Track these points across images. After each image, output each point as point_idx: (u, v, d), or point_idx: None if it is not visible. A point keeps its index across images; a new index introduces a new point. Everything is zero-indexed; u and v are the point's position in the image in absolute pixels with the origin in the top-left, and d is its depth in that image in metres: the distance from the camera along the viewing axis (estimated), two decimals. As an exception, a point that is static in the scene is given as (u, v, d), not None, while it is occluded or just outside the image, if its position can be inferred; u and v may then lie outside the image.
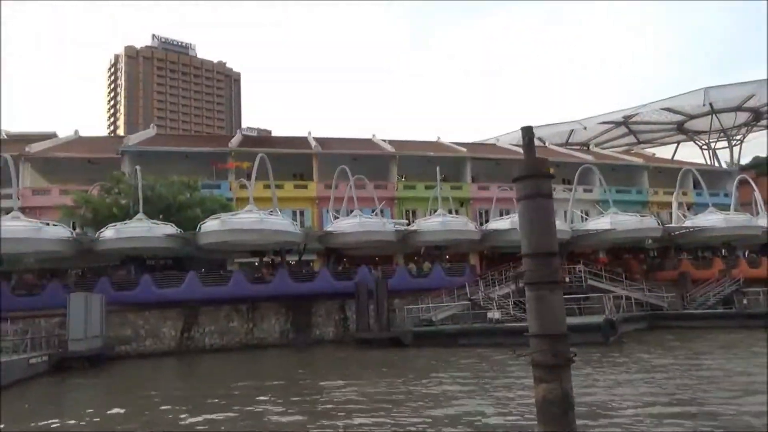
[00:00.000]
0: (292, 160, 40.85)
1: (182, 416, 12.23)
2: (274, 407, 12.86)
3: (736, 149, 61.83)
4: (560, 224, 31.48)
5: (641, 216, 36.94)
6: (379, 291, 27.67)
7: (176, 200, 30.48)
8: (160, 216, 28.70)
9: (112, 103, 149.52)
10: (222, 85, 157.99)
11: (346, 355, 23.93)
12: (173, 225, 27.67)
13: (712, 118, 57.41)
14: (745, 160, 63.02)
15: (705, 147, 63.58)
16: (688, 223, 36.59)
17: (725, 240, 36.90)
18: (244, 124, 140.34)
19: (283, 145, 44.14)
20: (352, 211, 31.85)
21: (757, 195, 38.81)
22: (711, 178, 48.51)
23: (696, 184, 44.62)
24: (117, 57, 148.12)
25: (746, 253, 39.30)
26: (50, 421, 12.34)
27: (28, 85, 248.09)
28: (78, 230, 29.42)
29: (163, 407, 13.46)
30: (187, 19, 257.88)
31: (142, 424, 11.66)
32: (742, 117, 58.67)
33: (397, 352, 23.72)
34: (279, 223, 28.26)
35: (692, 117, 58.69)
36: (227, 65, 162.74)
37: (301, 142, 45.02)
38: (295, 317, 28.83)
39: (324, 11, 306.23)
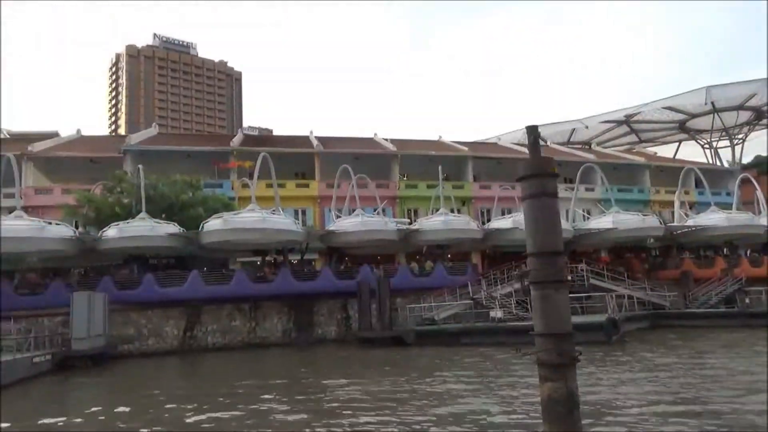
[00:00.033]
0: (293, 159, 40.87)
1: (187, 414, 12.26)
2: (279, 405, 12.89)
3: (737, 148, 61.63)
4: (562, 223, 31.15)
5: (643, 215, 36.85)
6: (381, 290, 27.71)
7: (179, 199, 30.47)
8: (163, 215, 28.70)
9: (113, 102, 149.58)
10: (223, 84, 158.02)
11: (348, 354, 23.94)
12: (176, 224, 27.67)
13: (713, 117, 57.24)
14: (746, 159, 63.00)
15: (707, 146, 63.40)
16: (690, 222, 36.52)
17: (727, 239, 36.87)
18: (245, 124, 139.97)
19: (284, 145, 44.13)
20: (353, 210, 31.84)
21: (759, 194, 38.75)
22: (713, 177, 48.49)
23: (698, 183, 44.58)
24: (118, 56, 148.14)
25: (748, 252, 39.29)
26: (55, 420, 12.38)
27: (30, 84, 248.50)
28: (81, 229, 29.37)
29: (167, 406, 13.50)
30: (188, 19, 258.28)
31: (147, 423, 11.68)
32: (744, 116, 58.51)
33: (400, 351, 23.73)
34: (281, 222, 28.23)
35: (694, 116, 58.55)
36: (228, 65, 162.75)
37: (303, 141, 45.00)
38: (297, 316, 28.84)
39: (324, 11, 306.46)
